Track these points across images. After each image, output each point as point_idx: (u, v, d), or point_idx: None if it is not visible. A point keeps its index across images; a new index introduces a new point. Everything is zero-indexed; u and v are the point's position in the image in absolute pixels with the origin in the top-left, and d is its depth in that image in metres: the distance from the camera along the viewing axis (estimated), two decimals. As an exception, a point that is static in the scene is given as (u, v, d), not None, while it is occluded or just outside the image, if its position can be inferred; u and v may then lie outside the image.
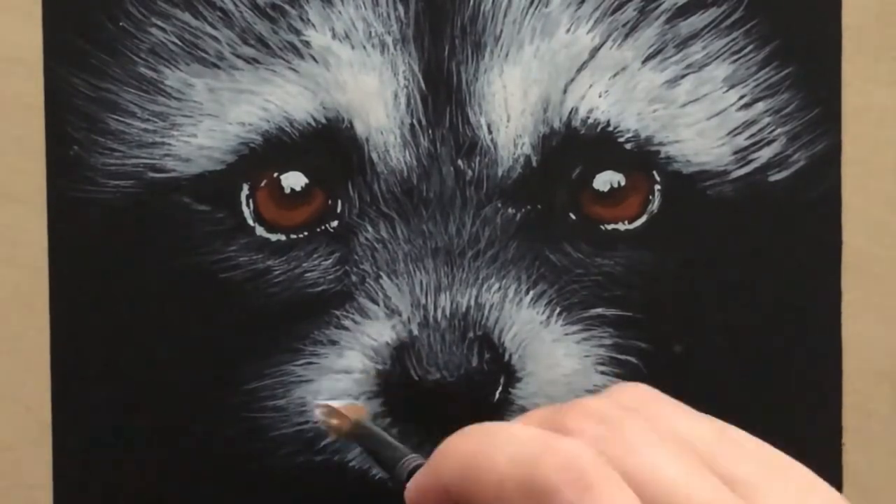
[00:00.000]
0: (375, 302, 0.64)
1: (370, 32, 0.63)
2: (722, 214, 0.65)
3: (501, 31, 0.63)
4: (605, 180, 0.64)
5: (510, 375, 0.63)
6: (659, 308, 0.65)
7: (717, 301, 0.65)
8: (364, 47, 0.63)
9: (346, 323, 0.64)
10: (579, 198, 0.64)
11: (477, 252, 0.63)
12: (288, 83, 0.64)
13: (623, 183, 0.64)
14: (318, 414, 0.59)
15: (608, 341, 0.65)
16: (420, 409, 0.63)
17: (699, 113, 0.64)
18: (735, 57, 0.64)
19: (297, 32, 0.64)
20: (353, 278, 0.64)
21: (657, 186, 0.65)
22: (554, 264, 0.64)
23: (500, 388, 0.63)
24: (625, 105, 0.64)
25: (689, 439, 0.46)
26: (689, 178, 0.65)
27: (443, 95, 0.63)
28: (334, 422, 0.57)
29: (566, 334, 0.64)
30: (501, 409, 0.64)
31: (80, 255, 0.65)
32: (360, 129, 0.63)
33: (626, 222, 0.65)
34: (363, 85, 0.63)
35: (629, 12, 0.64)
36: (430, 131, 0.63)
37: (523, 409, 0.64)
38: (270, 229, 0.64)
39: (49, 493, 0.66)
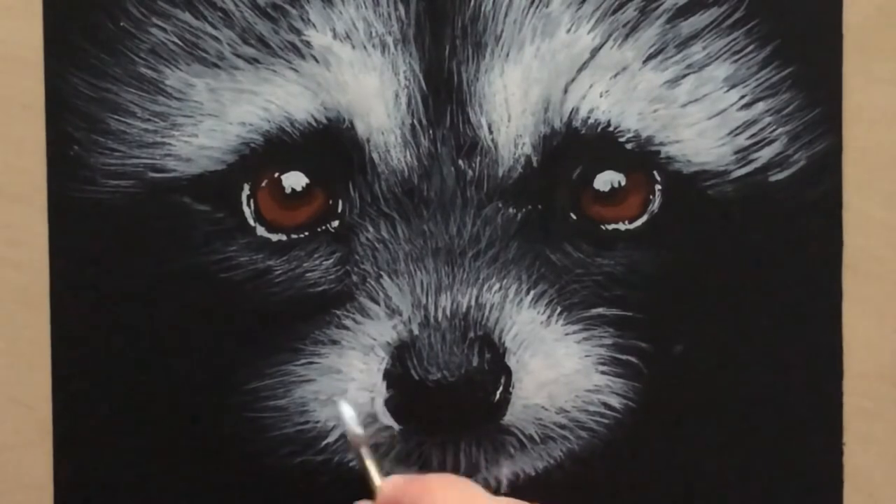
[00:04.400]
0: (376, 302, 0.64)
1: (371, 32, 0.63)
2: (722, 214, 0.65)
3: (502, 31, 0.63)
4: (606, 180, 0.64)
5: (510, 375, 0.64)
6: (659, 308, 0.65)
7: (718, 301, 0.66)
8: (365, 47, 0.63)
9: (347, 323, 0.64)
10: (580, 198, 0.64)
11: (477, 252, 0.63)
12: (289, 83, 0.64)
13: (624, 183, 0.64)
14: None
15: (608, 341, 0.65)
16: (421, 408, 0.63)
17: (700, 113, 0.64)
18: (736, 57, 0.64)
19: (298, 32, 0.64)
20: (354, 278, 0.64)
21: (658, 186, 0.65)
22: (554, 264, 0.64)
23: (500, 388, 0.63)
24: (625, 105, 0.64)
25: None
26: (689, 178, 0.65)
27: (443, 95, 0.63)
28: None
29: (567, 334, 0.64)
30: (502, 409, 0.64)
31: (80, 255, 0.65)
32: (360, 129, 0.63)
33: (626, 222, 0.65)
34: (364, 85, 0.63)
35: (630, 12, 0.64)
36: (430, 131, 0.63)
37: (524, 409, 0.64)
38: (271, 229, 0.64)
39: (49, 493, 0.66)
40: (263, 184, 0.64)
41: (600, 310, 0.65)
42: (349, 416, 0.60)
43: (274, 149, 0.64)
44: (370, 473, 0.59)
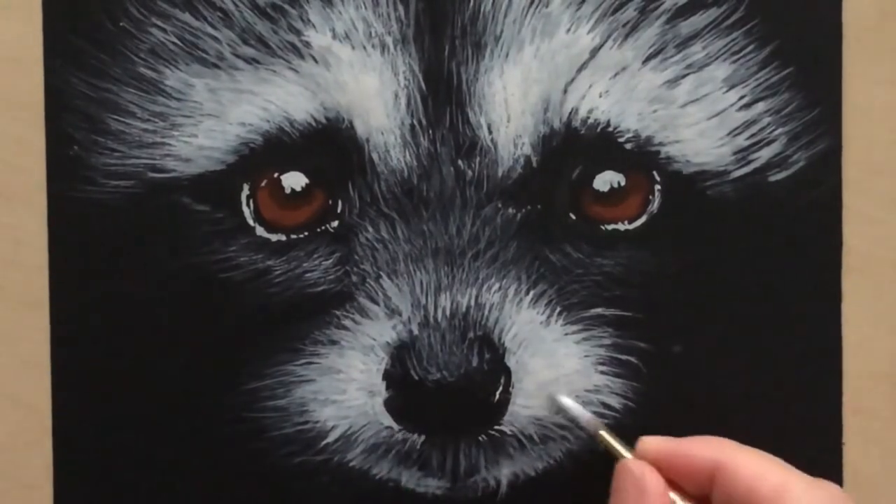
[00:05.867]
0: (376, 302, 0.64)
1: (370, 33, 0.63)
2: (722, 215, 0.65)
3: (502, 31, 0.63)
4: (606, 180, 0.64)
5: (510, 375, 0.64)
6: (659, 308, 0.65)
7: (717, 301, 0.65)
8: (364, 47, 0.63)
9: (347, 323, 0.64)
10: (579, 198, 0.64)
11: (477, 252, 0.63)
12: (288, 83, 0.64)
13: (623, 183, 0.64)
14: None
15: (608, 341, 0.65)
16: (420, 408, 0.63)
17: (699, 113, 0.64)
18: (735, 57, 0.64)
19: (298, 33, 0.64)
20: (354, 278, 0.64)
21: (657, 186, 0.65)
22: (554, 264, 0.64)
23: (500, 389, 0.63)
24: (625, 105, 0.64)
25: None
26: (689, 179, 0.65)
27: (443, 96, 0.63)
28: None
29: (566, 334, 0.64)
30: (501, 410, 0.64)
31: (80, 255, 0.65)
32: (360, 129, 0.63)
33: (626, 222, 0.65)
34: (363, 85, 0.63)
35: (629, 12, 0.64)
36: (430, 131, 0.63)
37: (525, 409, 0.64)
38: (271, 229, 0.64)
39: (49, 493, 0.66)
40: (263, 184, 0.64)
41: (600, 310, 0.65)
42: (574, 405, 0.63)
43: (273, 149, 0.64)
44: (619, 449, 0.62)
